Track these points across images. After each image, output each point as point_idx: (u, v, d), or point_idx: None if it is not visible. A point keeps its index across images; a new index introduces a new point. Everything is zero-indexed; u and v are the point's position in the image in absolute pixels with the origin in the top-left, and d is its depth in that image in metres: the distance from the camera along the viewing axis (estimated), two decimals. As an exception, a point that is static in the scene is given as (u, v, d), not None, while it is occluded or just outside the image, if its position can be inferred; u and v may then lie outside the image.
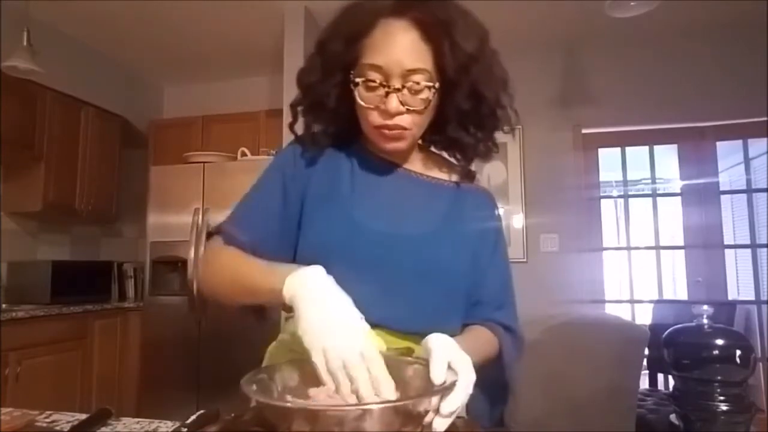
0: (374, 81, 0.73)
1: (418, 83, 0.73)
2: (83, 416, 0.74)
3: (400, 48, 0.73)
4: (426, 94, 0.74)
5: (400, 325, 0.76)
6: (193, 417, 0.67)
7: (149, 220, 3.23)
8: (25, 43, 2.71)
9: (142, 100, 4.06)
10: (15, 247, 3.20)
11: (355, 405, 0.53)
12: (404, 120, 0.75)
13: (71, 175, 3.30)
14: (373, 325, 0.75)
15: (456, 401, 0.56)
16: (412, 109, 0.75)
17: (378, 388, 0.55)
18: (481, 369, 0.77)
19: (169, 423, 0.74)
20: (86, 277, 3.33)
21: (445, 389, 0.55)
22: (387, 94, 0.73)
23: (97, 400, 3.04)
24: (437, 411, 0.55)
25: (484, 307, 0.84)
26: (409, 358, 0.65)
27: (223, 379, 2.87)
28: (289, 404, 0.52)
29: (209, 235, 0.86)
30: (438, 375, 0.57)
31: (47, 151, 3.12)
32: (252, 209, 0.86)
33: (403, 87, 0.73)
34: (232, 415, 0.71)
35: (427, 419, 0.55)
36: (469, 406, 0.78)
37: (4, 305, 2.87)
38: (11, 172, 3.14)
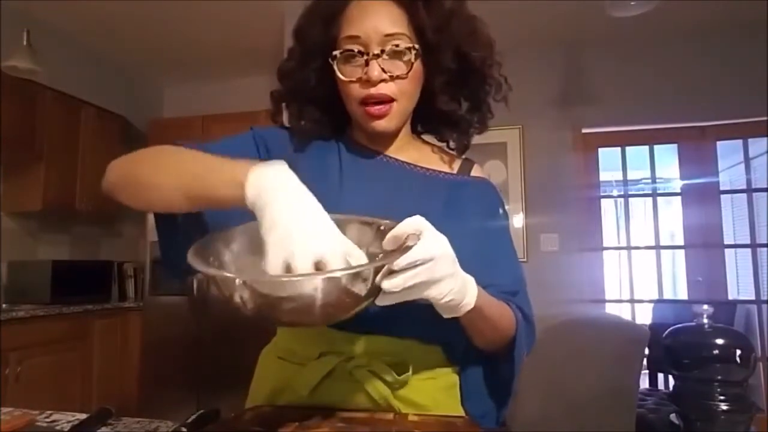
0: (353, 50, 0.72)
1: (397, 46, 0.71)
2: (83, 416, 0.74)
3: (376, 17, 0.72)
4: (408, 57, 0.72)
5: (395, 331, 0.72)
6: (193, 417, 0.67)
7: (149, 220, 3.23)
8: (25, 43, 2.71)
9: (142, 100, 4.06)
10: (15, 247, 3.19)
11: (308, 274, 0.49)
12: (389, 88, 0.72)
13: (71, 175, 3.30)
14: (366, 331, 0.71)
15: (409, 257, 0.52)
16: (395, 75, 0.72)
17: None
18: (489, 359, 0.74)
19: (169, 423, 0.74)
20: (86, 277, 3.33)
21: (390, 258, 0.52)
22: (367, 62, 0.71)
23: (97, 400, 3.04)
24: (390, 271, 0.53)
25: (498, 289, 0.74)
26: (375, 222, 0.63)
27: (223, 379, 2.87)
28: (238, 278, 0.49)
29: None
30: (386, 238, 0.55)
31: (47, 151, 3.12)
32: (215, 146, 0.77)
33: (383, 52, 0.71)
34: (232, 415, 0.71)
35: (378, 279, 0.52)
36: (473, 407, 0.77)
37: (4, 305, 2.87)
38: (11, 172, 3.14)
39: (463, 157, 0.87)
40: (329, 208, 0.74)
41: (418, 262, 0.53)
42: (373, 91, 0.72)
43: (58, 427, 0.72)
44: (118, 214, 3.77)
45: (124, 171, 0.70)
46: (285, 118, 0.87)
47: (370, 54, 0.71)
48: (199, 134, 3.72)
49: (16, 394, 2.52)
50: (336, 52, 0.73)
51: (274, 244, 0.50)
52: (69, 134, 3.29)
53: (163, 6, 3.01)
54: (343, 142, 0.84)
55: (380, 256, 0.58)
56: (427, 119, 0.86)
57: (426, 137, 0.91)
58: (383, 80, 0.72)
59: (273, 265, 0.49)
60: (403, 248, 0.53)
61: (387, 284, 0.52)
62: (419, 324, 0.72)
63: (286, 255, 0.49)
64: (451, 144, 0.87)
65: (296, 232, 0.50)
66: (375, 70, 0.71)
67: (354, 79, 0.73)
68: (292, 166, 0.71)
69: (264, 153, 0.80)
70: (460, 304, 0.60)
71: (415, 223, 0.56)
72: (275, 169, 0.56)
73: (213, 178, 0.59)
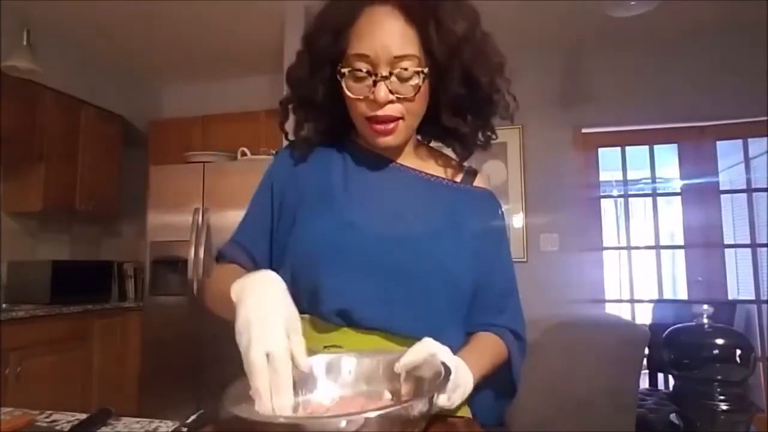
0: (361, 70, 0.71)
1: (406, 69, 0.71)
2: (83, 416, 0.74)
3: (386, 35, 0.71)
4: (416, 81, 0.72)
5: (399, 329, 0.73)
6: (193, 417, 0.67)
7: (149, 220, 3.23)
8: (25, 43, 2.71)
9: (142, 100, 4.06)
10: (15, 247, 3.19)
11: (342, 415, 0.50)
12: (395, 109, 0.73)
13: (71, 175, 3.30)
14: (371, 329, 0.73)
15: (447, 399, 0.59)
16: (402, 97, 0.72)
17: (277, 392, 0.53)
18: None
19: (169, 423, 0.74)
20: (86, 277, 3.33)
21: (436, 388, 0.54)
22: (375, 83, 0.71)
23: (97, 400, 3.03)
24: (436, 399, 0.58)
25: (490, 310, 0.81)
26: (379, 355, 0.64)
27: (223, 379, 2.87)
28: (281, 419, 0.49)
29: (216, 259, 0.87)
30: (402, 363, 0.59)
31: (47, 151, 3.12)
32: (248, 228, 0.87)
33: (391, 74, 0.71)
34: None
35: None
36: (475, 403, 0.78)
37: (4, 305, 2.87)
38: (11, 172, 3.13)
39: (467, 166, 0.88)
40: (336, 215, 0.78)
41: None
42: (379, 112, 0.73)
43: (58, 427, 0.72)
44: (118, 214, 3.77)
45: (204, 300, 0.82)
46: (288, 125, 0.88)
47: (379, 75, 0.71)
48: (199, 134, 3.72)
49: (16, 394, 2.52)
50: (344, 70, 0.73)
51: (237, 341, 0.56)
52: (69, 134, 3.29)
53: (163, 6, 3.01)
54: (348, 146, 0.85)
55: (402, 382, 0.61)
56: (431, 131, 0.88)
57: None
58: (390, 101, 0.72)
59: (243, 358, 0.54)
60: (426, 366, 0.58)
61: (446, 401, 0.60)
62: (420, 322, 0.74)
63: (242, 348, 0.54)
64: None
65: (242, 332, 0.55)
66: (382, 92, 0.71)
67: (361, 98, 0.73)
68: (294, 183, 0.83)
69: (278, 201, 0.84)
70: (465, 394, 0.66)
71: (428, 346, 0.61)
72: (248, 278, 0.62)
73: (227, 303, 0.63)
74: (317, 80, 0.78)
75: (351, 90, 0.73)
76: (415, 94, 0.73)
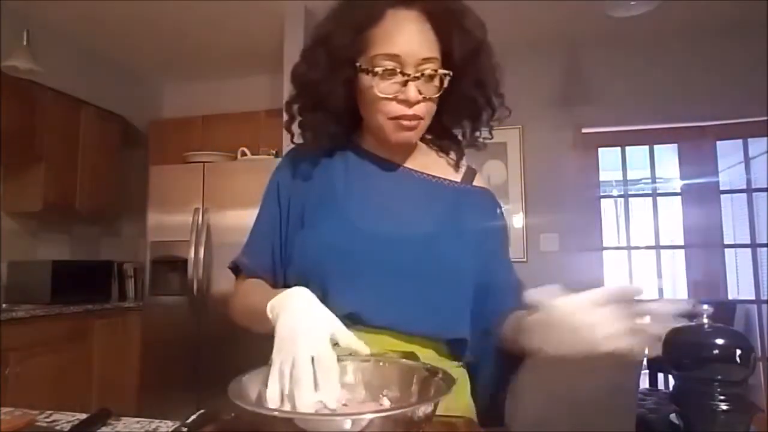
0: (394, 70, 0.73)
1: (433, 70, 0.74)
2: (83, 416, 0.74)
3: (413, 37, 0.73)
4: (437, 82, 0.75)
5: (405, 328, 0.75)
6: (193, 417, 0.67)
7: (149, 220, 3.23)
8: (25, 43, 2.71)
9: (142, 100, 4.06)
10: (15, 247, 3.19)
11: (345, 414, 0.52)
12: (421, 109, 0.75)
13: (71, 175, 3.30)
14: (378, 329, 0.74)
15: None
16: (427, 97, 0.75)
17: (322, 393, 0.54)
18: (491, 351, 0.78)
19: (169, 423, 0.74)
20: (86, 277, 3.32)
21: (441, 396, 0.54)
22: (406, 83, 0.73)
23: (97, 400, 3.03)
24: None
25: (510, 303, 0.80)
26: (412, 363, 0.65)
27: (223, 379, 2.87)
28: (275, 413, 0.50)
29: (232, 270, 0.88)
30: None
31: (47, 151, 3.11)
32: (260, 237, 0.87)
33: (422, 75, 0.74)
34: (232, 414, 0.71)
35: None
36: (480, 375, 0.80)
37: (4, 305, 2.87)
38: (11, 172, 3.13)
39: (465, 165, 0.90)
40: (341, 218, 0.79)
41: None
42: (408, 111, 0.75)
43: (58, 427, 0.72)
44: (118, 214, 3.77)
45: (234, 320, 0.83)
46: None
47: (411, 75, 0.73)
48: (199, 134, 3.72)
49: (16, 394, 2.51)
50: (378, 69, 0.73)
51: (274, 349, 0.58)
52: (69, 134, 3.29)
53: (163, 6, 3.01)
54: (350, 149, 0.86)
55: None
56: (431, 130, 0.88)
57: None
58: (418, 101, 0.74)
59: (273, 362, 0.56)
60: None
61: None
62: (427, 321, 0.75)
63: (281, 353, 0.56)
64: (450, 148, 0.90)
65: (287, 340, 0.57)
66: (413, 92, 0.73)
67: (391, 96, 0.74)
68: (299, 188, 0.83)
69: (285, 207, 0.85)
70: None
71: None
72: (287, 293, 0.64)
73: (258, 317, 0.67)
74: (335, 81, 0.77)
75: (381, 90, 0.74)
76: (438, 95, 0.76)
